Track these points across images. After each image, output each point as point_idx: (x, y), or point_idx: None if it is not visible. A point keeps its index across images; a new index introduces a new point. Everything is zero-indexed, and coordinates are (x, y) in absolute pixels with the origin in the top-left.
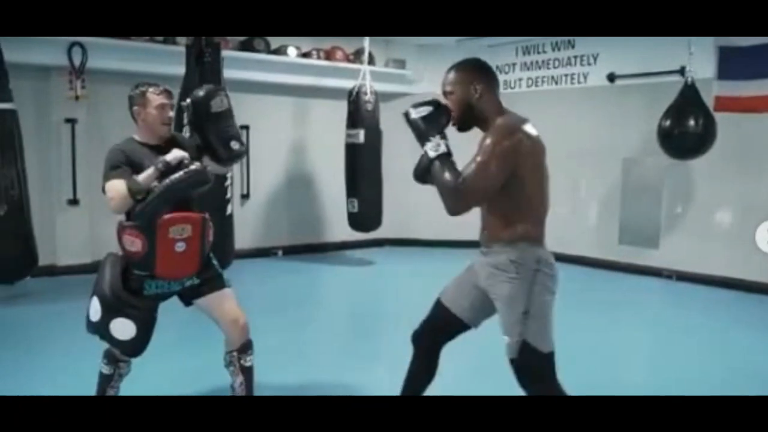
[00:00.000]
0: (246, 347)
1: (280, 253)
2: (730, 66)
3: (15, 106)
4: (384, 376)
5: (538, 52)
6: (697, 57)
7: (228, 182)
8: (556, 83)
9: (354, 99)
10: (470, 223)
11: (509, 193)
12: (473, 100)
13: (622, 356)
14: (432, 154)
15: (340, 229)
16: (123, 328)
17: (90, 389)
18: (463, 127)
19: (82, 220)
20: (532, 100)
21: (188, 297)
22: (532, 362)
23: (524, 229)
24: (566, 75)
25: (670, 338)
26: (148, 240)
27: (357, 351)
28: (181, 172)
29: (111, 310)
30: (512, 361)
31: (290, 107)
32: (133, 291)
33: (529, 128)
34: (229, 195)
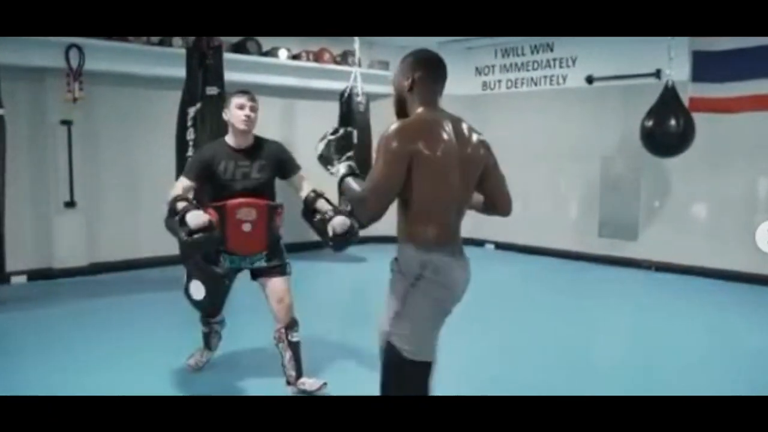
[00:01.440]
0: (293, 324)
1: None
2: (703, 69)
3: (3, 112)
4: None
5: (517, 55)
6: (673, 61)
7: None
8: (536, 85)
9: (346, 100)
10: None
11: (401, 193)
12: (404, 93)
13: (607, 339)
14: (337, 178)
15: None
16: (196, 290)
17: (90, 390)
18: (399, 116)
19: (78, 223)
20: (512, 101)
21: (255, 274)
22: (392, 362)
23: (412, 232)
24: (545, 77)
25: (651, 322)
26: (221, 218)
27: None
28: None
29: (189, 275)
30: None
31: (278, 108)
32: (212, 263)
33: (431, 126)
34: None
